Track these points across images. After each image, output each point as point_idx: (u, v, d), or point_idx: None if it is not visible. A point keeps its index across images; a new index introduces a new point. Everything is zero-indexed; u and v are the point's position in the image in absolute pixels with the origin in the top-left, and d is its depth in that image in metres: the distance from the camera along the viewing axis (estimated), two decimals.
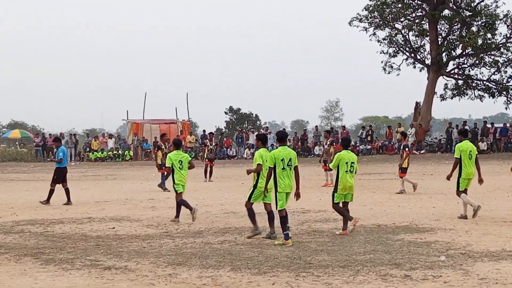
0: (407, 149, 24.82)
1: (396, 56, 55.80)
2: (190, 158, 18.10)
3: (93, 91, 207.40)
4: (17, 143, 63.40)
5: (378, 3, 53.92)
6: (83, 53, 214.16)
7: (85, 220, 17.99)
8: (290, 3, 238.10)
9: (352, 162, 14.99)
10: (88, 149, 56.07)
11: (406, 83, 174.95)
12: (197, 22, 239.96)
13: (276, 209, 13.87)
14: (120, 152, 54.68)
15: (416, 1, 54.54)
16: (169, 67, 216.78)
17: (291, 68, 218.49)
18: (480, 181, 17.86)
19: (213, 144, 32.72)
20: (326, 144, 28.51)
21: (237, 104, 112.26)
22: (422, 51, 55.24)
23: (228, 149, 55.23)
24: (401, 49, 55.53)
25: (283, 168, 13.80)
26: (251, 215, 14.57)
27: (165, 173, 27.41)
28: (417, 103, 55.05)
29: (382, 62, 55.92)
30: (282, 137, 14.40)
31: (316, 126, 62.66)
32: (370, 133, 54.57)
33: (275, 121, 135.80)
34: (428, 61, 54.26)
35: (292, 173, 13.97)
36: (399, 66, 55.71)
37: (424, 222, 16.55)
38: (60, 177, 22.54)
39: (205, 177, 31.50)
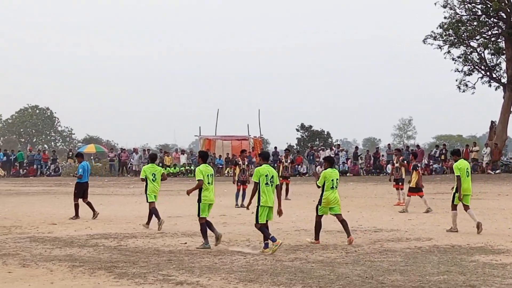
0: (417, 168, 25.48)
1: (471, 74, 55.09)
2: (163, 171, 20.95)
3: (166, 107, 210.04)
4: (92, 157, 64.56)
5: (453, 21, 53.35)
6: (156, 72, 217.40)
7: (157, 235, 18.18)
8: (360, 21, 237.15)
9: (337, 179, 16.47)
10: (161, 164, 56.64)
11: (481, 101, 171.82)
12: (268, 41, 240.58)
13: (257, 222, 15.01)
14: (192, 167, 55.09)
15: (492, 19, 53.73)
16: (241, 84, 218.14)
17: (363, 85, 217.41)
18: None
19: (288, 161, 32.34)
20: (395, 162, 28.17)
21: (308, 121, 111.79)
22: (498, 69, 54.37)
23: (299, 166, 55.12)
24: (476, 67, 54.75)
25: (267, 183, 15.01)
26: (204, 230, 15.98)
27: (241, 189, 27.61)
28: (492, 122, 54.13)
29: (456, 80, 55.29)
30: (266, 157, 15.98)
31: (389, 144, 61.99)
32: (443, 152, 53.71)
33: (346, 139, 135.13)
34: (504, 80, 53.31)
35: (274, 190, 15.13)
36: (474, 84, 55.00)
37: (499, 244, 16.21)
38: (80, 191, 23.19)
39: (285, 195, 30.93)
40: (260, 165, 15.40)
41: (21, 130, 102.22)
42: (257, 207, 15.01)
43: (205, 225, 15.94)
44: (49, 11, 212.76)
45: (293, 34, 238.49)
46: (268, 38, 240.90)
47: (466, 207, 18.58)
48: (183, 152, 60.66)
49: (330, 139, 71.57)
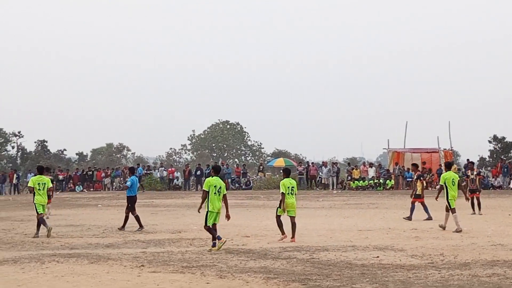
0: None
1: None
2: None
3: (354, 120, 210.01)
4: (281, 171, 65.45)
5: None
6: (343, 82, 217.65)
7: (349, 248, 18.17)
8: None
9: (292, 187, 19.84)
10: (349, 177, 56.67)
11: None
12: (457, 39, 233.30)
13: (206, 225, 17.95)
14: (381, 181, 54.71)
15: None
16: (431, 94, 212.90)
17: None
18: (467, 199, 25.09)
19: (474, 173, 31.50)
20: None
21: (502, 132, 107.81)
22: None
23: (494, 179, 53.23)
24: None
25: (215, 193, 17.93)
26: (39, 223, 21.45)
27: (416, 202, 27.06)
28: None
29: None
30: (217, 170, 18.84)
31: None
32: None
33: None
34: None
35: (221, 198, 18.06)
36: None
37: None
38: (133, 204, 24.28)
39: (473, 209, 29.88)
40: (212, 177, 18.27)
41: (213, 145, 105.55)
42: (206, 212, 17.92)
43: (42, 219, 21.41)
44: (220, 27, 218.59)
45: (484, 32, 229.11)
46: (455, 36, 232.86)
47: (453, 210, 22.18)
48: (371, 165, 60.23)
49: None
